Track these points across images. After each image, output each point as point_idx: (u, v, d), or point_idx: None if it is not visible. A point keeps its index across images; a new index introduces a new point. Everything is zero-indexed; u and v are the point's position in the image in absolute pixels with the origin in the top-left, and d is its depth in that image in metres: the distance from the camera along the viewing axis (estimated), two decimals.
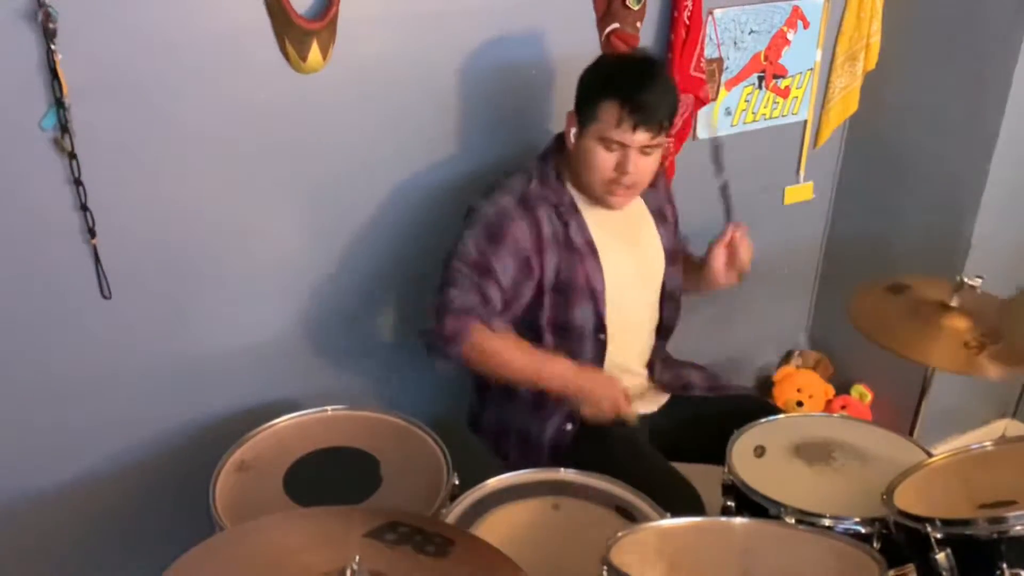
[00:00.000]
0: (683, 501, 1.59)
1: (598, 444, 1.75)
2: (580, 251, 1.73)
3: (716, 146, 1.92)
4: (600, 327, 1.78)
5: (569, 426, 1.79)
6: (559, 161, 1.76)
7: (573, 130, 1.70)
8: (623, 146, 1.65)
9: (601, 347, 1.80)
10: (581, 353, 1.78)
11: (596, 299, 1.75)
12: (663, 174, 1.94)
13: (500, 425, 1.87)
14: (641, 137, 1.63)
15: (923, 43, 2.40)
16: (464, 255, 1.67)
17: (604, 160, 1.66)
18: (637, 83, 1.62)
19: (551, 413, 1.79)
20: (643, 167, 1.68)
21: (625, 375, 1.86)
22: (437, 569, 1.10)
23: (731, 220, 1.83)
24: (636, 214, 1.85)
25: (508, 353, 1.66)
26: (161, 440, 1.83)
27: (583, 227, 1.74)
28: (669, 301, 1.91)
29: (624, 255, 1.79)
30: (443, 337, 1.62)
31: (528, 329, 1.75)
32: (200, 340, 1.81)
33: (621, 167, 1.66)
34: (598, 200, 1.74)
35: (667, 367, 1.96)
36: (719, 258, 1.82)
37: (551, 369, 1.67)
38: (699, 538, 1.32)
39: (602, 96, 1.63)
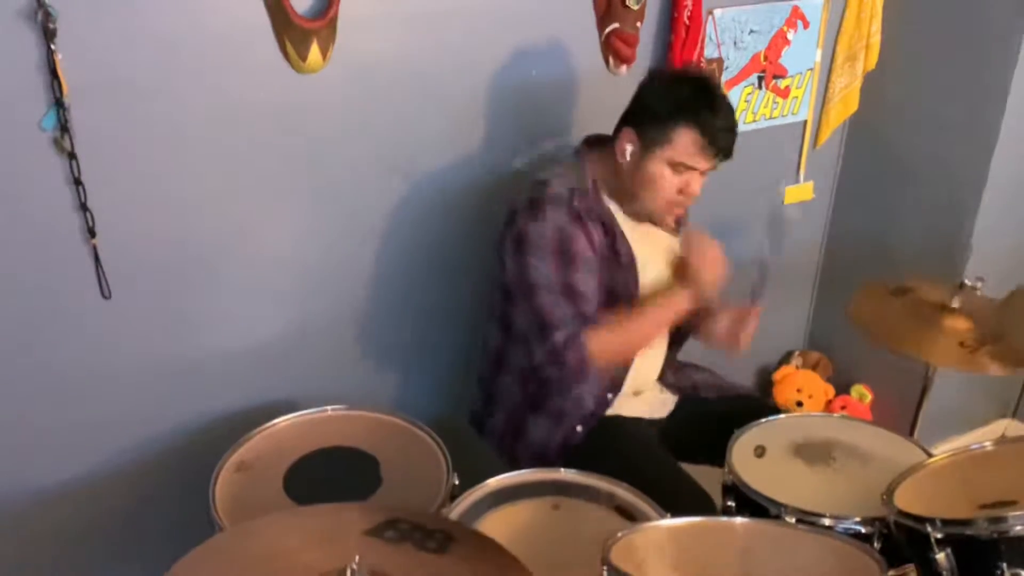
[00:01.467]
0: (694, 504, 1.59)
1: (608, 445, 1.74)
2: (623, 264, 1.73)
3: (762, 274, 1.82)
4: None
5: (580, 428, 1.79)
6: (594, 170, 1.73)
7: (630, 148, 1.66)
8: (691, 169, 1.64)
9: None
10: None
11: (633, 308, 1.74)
12: None
13: (511, 429, 1.85)
14: (713, 164, 1.65)
15: (923, 43, 2.41)
16: (549, 284, 1.63)
17: (670, 183, 1.65)
18: (715, 112, 1.61)
19: (565, 416, 1.79)
20: (701, 186, 1.69)
21: (643, 384, 1.87)
22: (438, 565, 1.10)
23: (757, 297, 1.82)
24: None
25: (623, 340, 1.69)
26: (161, 440, 1.83)
27: (625, 240, 1.74)
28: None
29: (653, 265, 1.79)
30: (572, 373, 1.63)
31: None
32: (200, 340, 1.81)
33: (686, 189, 1.66)
34: (648, 216, 1.74)
35: (675, 370, 1.96)
36: (723, 322, 1.83)
37: (664, 318, 1.72)
38: (699, 538, 1.32)
39: (678, 122, 1.61)
